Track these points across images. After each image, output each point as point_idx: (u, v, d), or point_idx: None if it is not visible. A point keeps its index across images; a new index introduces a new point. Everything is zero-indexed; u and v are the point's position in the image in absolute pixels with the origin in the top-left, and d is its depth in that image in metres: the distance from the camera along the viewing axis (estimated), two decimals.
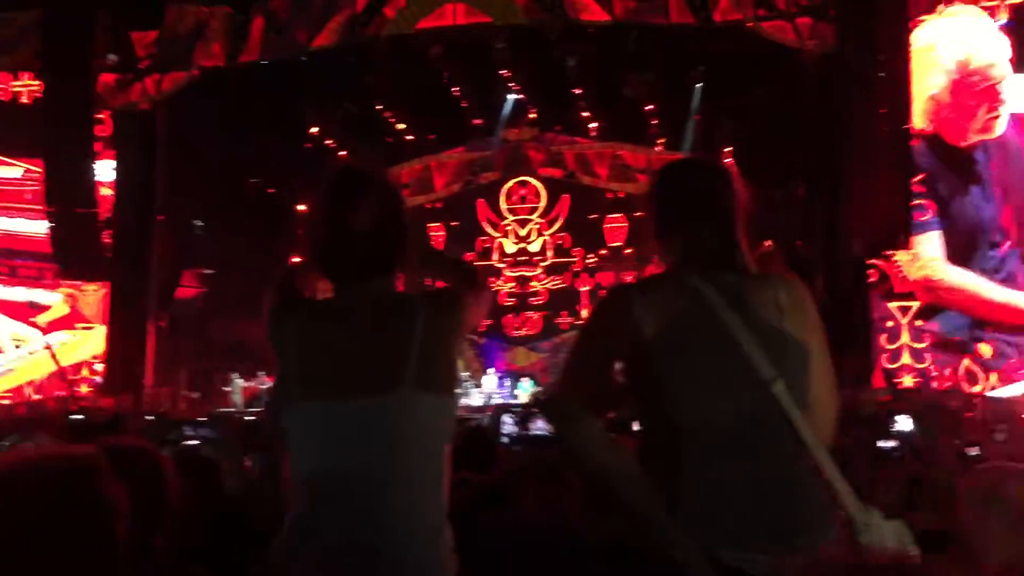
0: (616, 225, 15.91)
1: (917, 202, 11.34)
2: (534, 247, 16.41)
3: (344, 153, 15.56)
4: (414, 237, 2.28)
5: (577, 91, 14.43)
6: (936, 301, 11.26)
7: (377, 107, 14.71)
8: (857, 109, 11.07)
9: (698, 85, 13.93)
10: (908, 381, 11.10)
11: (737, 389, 2.04)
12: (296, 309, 2.21)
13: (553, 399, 2.26)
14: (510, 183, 16.52)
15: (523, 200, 16.51)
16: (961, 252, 11.32)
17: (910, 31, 11.30)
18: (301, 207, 13.94)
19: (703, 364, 2.06)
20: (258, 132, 13.74)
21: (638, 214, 15.70)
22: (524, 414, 9.02)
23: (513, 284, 16.22)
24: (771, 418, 2.03)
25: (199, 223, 14.27)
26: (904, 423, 6.49)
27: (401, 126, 15.54)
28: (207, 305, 14.38)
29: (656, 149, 15.69)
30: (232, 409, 12.49)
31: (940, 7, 11.43)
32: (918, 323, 11.24)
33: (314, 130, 14.91)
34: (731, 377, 2.05)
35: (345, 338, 2.09)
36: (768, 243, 14.75)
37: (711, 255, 2.16)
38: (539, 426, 8.28)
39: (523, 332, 16.08)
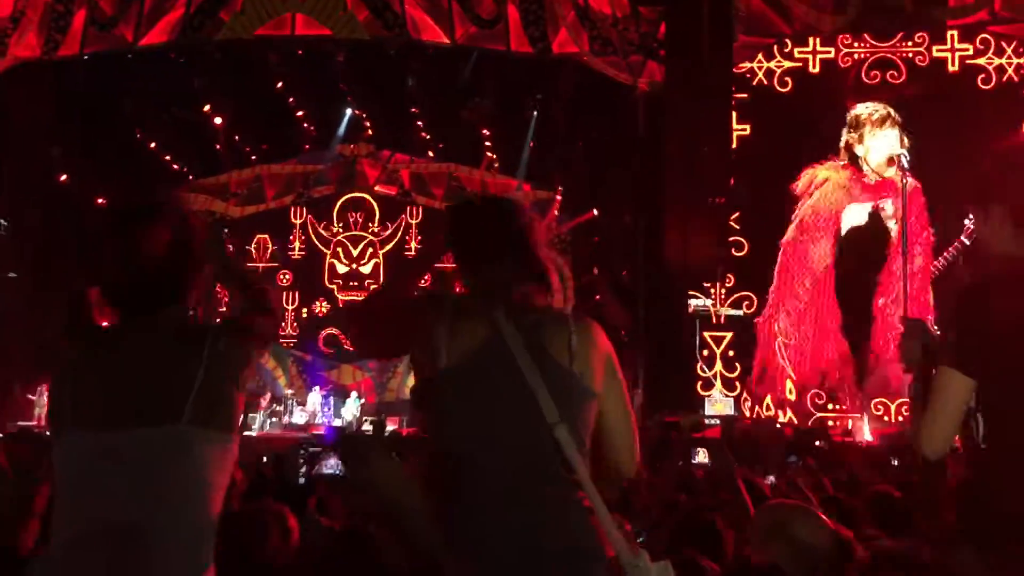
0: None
1: (734, 238, 11.99)
2: (366, 268, 16.21)
3: (168, 158, 14.97)
4: (212, 254, 2.22)
5: (415, 111, 14.45)
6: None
7: (206, 112, 14.20)
8: (681, 145, 11.60)
9: (534, 113, 14.23)
10: (719, 408, 11.65)
11: (521, 429, 2.07)
12: (79, 336, 2.14)
13: (350, 437, 2.26)
14: (343, 198, 16.30)
15: (357, 216, 16.32)
16: None
17: (733, 73, 11.97)
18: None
19: (490, 401, 2.09)
20: (75, 130, 13.00)
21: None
22: (315, 453, 8.46)
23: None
24: (551, 460, 2.06)
25: (2, 222, 13.30)
26: (702, 455, 6.70)
27: (232, 133, 15.06)
28: (9, 310, 13.40)
29: (492, 172, 15.90)
30: (32, 423, 11.69)
31: (759, 57, 12.15)
32: (731, 353, 11.83)
33: (136, 133, 14.23)
34: (516, 417, 2.07)
35: (124, 368, 2.01)
36: (594, 270, 15.25)
37: (511, 294, 2.18)
38: (331, 464, 7.84)
39: (352, 349, 15.85)
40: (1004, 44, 11.88)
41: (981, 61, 11.90)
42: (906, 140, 11.21)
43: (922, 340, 2.31)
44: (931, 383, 2.17)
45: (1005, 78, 11.88)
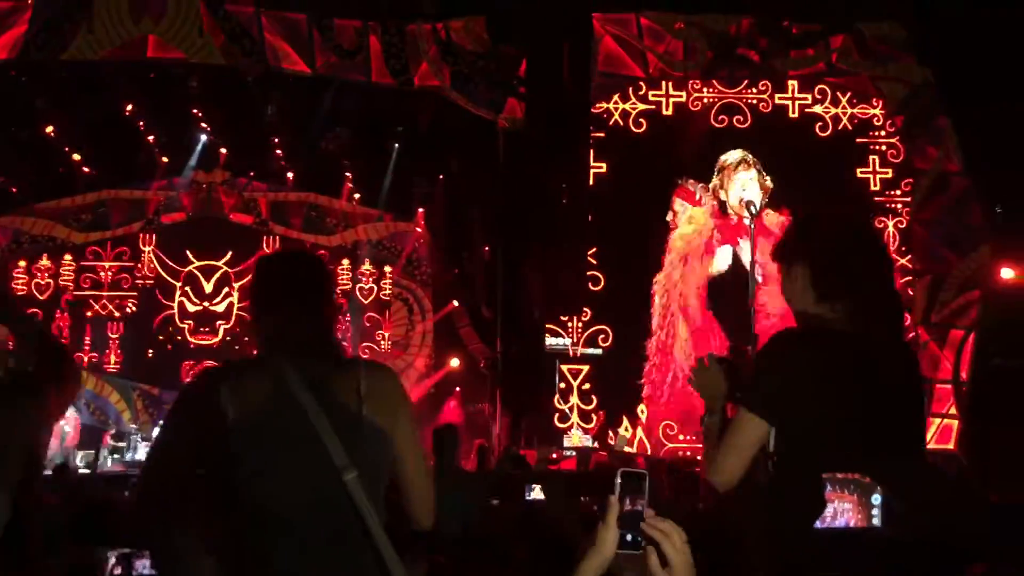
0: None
1: (591, 272, 12.26)
2: (219, 307, 15.65)
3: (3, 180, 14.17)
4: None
5: (274, 139, 14.19)
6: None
7: (48, 132, 13.53)
8: (538, 182, 11.81)
9: (395, 145, 14.21)
10: (576, 440, 11.82)
11: (310, 476, 2.08)
12: None
13: (134, 514, 2.21)
14: (196, 226, 15.76)
15: (210, 245, 15.78)
16: None
17: (591, 113, 12.31)
18: None
19: (279, 450, 2.09)
20: None
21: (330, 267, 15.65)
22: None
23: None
24: (341, 506, 2.07)
25: None
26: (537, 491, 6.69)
27: (76, 156, 14.39)
28: None
29: (352, 203, 15.76)
30: None
31: (615, 99, 12.53)
32: (585, 386, 12.04)
33: None
34: (305, 464, 2.08)
35: None
36: (454, 304, 15.30)
37: (300, 343, 2.20)
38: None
39: None
40: (839, 95, 12.67)
41: (818, 109, 12.65)
42: (768, 182, 11.76)
43: (720, 377, 2.43)
44: (730, 420, 2.29)
45: (840, 126, 12.67)
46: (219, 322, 15.57)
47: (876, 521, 2.01)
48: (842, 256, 2.26)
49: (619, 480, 1.68)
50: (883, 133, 12.65)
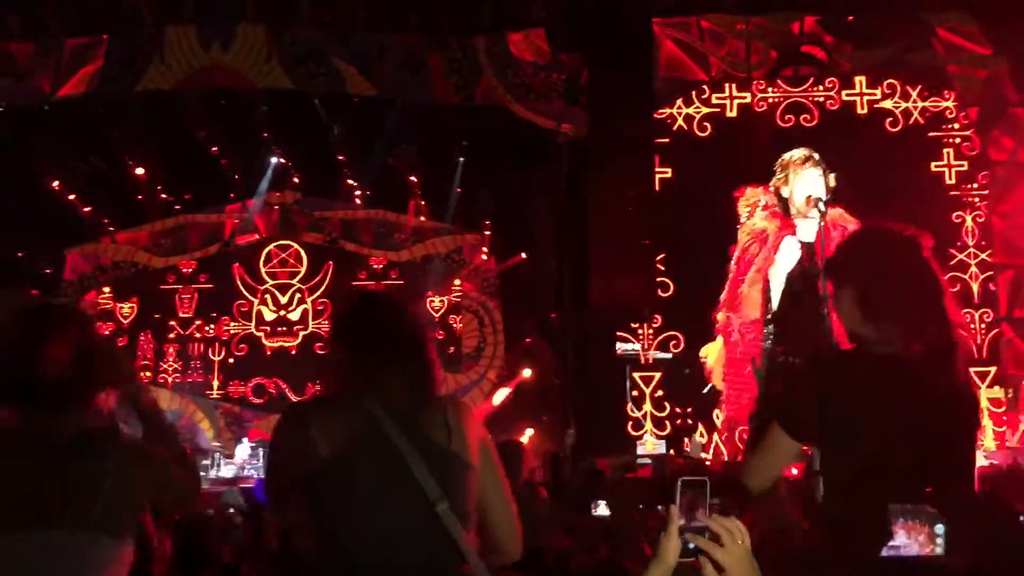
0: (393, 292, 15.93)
1: (661, 279, 12.18)
2: (294, 315, 16.03)
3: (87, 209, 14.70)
4: (126, 375, 2.21)
5: (341, 158, 14.46)
6: None
7: (127, 162, 14.01)
8: (604, 189, 11.79)
9: (460, 159, 14.35)
10: (650, 447, 11.73)
11: (403, 508, 2.14)
12: None
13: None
14: (270, 247, 16.15)
15: (283, 265, 16.17)
16: None
17: (654, 119, 12.24)
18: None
19: (372, 484, 2.16)
20: None
21: (400, 282, 15.84)
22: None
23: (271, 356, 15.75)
24: (435, 536, 2.12)
25: None
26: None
27: (153, 183, 14.87)
28: None
29: (420, 218, 15.95)
30: None
31: (679, 103, 12.45)
32: (659, 393, 11.95)
33: (54, 184, 13.96)
34: (398, 497, 2.14)
35: (27, 470, 1.99)
36: (522, 314, 15.34)
37: (388, 380, 2.25)
38: None
39: (286, 399, 15.62)
40: (910, 88, 12.38)
41: (888, 104, 12.38)
42: (831, 180, 11.53)
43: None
44: (765, 433, 2.29)
45: (911, 120, 12.37)
46: (297, 327, 15.93)
47: (940, 551, 1.99)
48: (886, 278, 2.23)
49: (679, 489, 1.69)
50: (956, 126, 12.30)
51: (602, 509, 6.37)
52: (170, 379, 15.53)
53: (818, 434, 2.17)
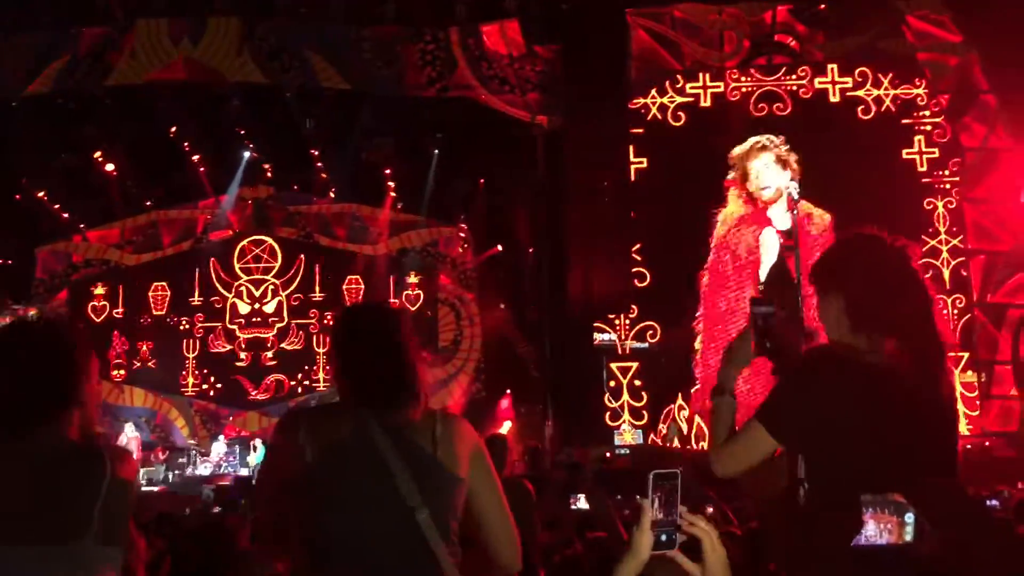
0: (355, 287, 15.84)
1: (637, 269, 12.21)
2: (269, 307, 15.93)
3: (58, 207, 14.52)
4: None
5: (315, 152, 14.36)
6: None
7: (98, 158, 13.84)
8: (579, 181, 11.80)
9: (435, 152, 14.29)
10: (628, 437, 11.77)
11: (383, 515, 2.18)
12: None
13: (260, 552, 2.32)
14: (244, 242, 16.02)
15: (257, 260, 16.04)
16: None
17: (629, 109, 12.25)
18: None
19: (355, 490, 2.19)
20: None
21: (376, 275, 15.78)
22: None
23: (246, 349, 15.66)
24: (413, 544, 2.16)
25: None
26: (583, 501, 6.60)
27: (125, 180, 14.70)
28: None
29: (395, 211, 15.88)
30: None
31: (653, 93, 12.47)
32: (636, 383, 11.99)
33: (23, 181, 13.77)
34: (379, 504, 2.18)
35: (16, 483, 1.96)
36: (500, 306, 15.34)
37: (380, 391, 2.30)
38: None
39: (259, 396, 15.53)
40: (881, 76, 12.46)
41: (860, 92, 12.46)
42: (794, 162, 11.57)
43: (747, 355, 2.44)
44: (746, 423, 2.30)
45: (883, 108, 12.46)
46: (272, 319, 15.84)
47: (909, 538, 2.02)
48: (878, 288, 2.20)
49: (651, 481, 1.68)
50: (928, 113, 12.41)
51: (582, 503, 6.37)
52: (143, 377, 15.39)
53: (801, 439, 2.17)
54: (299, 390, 15.50)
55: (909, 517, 2.04)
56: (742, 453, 2.31)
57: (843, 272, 2.27)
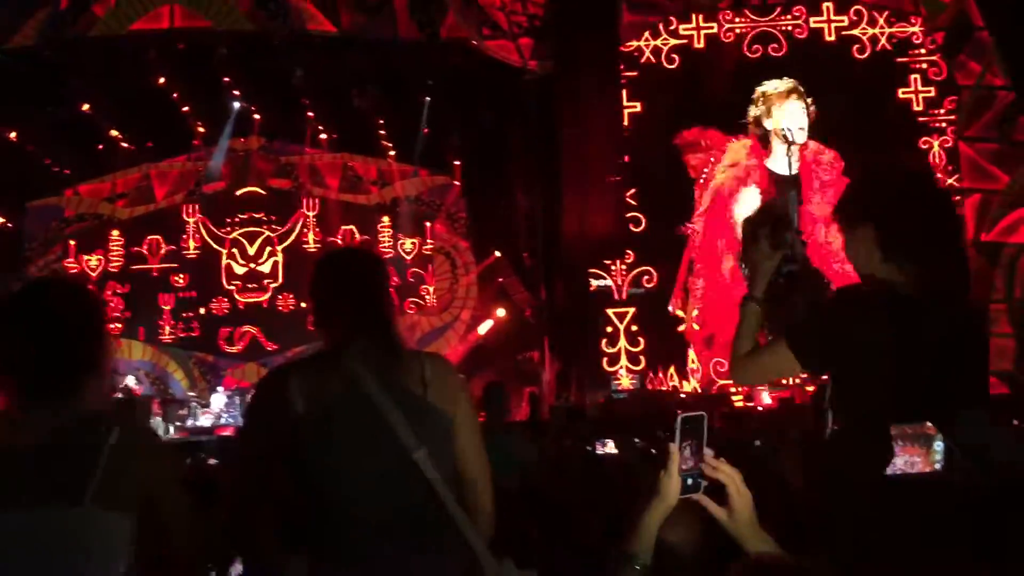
0: (364, 237, 15.68)
1: (632, 214, 12.17)
2: (265, 267, 15.82)
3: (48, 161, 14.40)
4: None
5: (305, 101, 14.20)
6: None
7: (86, 111, 13.68)
8: (572, 126, 11.70)
9: (427, 99, 14.14)
10: (625, 382, 11.84)
11: (381, 458, 2.17)
12: None
13: (237, 533, 2.28)
14: (236, 193, 15.89)
15: (250, 212, 15.92)
16: None
17: (621, 52, 12.11)
18: None
19: (350, 435, 2.18)
20: None
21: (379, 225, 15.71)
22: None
23: (241, 302, 15.59)
24: (414, 483, 2.16)
25: None
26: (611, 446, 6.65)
27: (114, 132, 14.55)
28: None
29: (387, 160, 15.77)
30: None
31: (646, 36, 12.31)
32: (633, 329, 12.01)
33: (11, 135, 13.63)
34: (376, 447, 2.17)
35: (26, 449, 1.93)
36: (496, 254, 15.31)
37: (364, 336, 2.29)
38: None
39: (259, 347, 15.54)
40: (876, 14, 12.32)
41: (855, 31, 12.32)
42: (811, 110, 11.46)
43: (773, 262, 2.44)
44: (771, 341, 2.30)
45: (879, 47, 12.34)
46: (266, 280, 15.77)
47: (938, 467, 2.03)
48: (909, 214, 2.19)
49: (678, 425, 1.67)
50: (923, 51, 12.29)
51: (610, 447, 6.43)
52: (140, 330, 15.38)
53: (825, 364, 2.17)
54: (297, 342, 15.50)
55: (938, 445, 2.05)
56: (764, 368, 2.36)
57: (874, 201, 2.26)
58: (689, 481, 1.69)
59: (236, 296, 15.69)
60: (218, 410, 13.56)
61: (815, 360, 2.21)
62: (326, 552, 2.18)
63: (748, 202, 11.45)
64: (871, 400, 2.10)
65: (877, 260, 2.19)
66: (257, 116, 15.06)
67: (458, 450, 2.28)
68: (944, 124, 12.19)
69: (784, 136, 10.20)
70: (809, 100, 11.22)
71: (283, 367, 2.42)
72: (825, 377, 2.25)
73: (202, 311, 15.65)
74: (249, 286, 15.70)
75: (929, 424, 2.03)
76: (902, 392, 2.08)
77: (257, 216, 15.88)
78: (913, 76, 12.31)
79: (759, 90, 11.69)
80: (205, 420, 13.33)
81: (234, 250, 15.78)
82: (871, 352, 2.09)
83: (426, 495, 2.16)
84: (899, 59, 12.33)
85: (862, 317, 2.13)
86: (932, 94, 12.24)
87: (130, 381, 13.63)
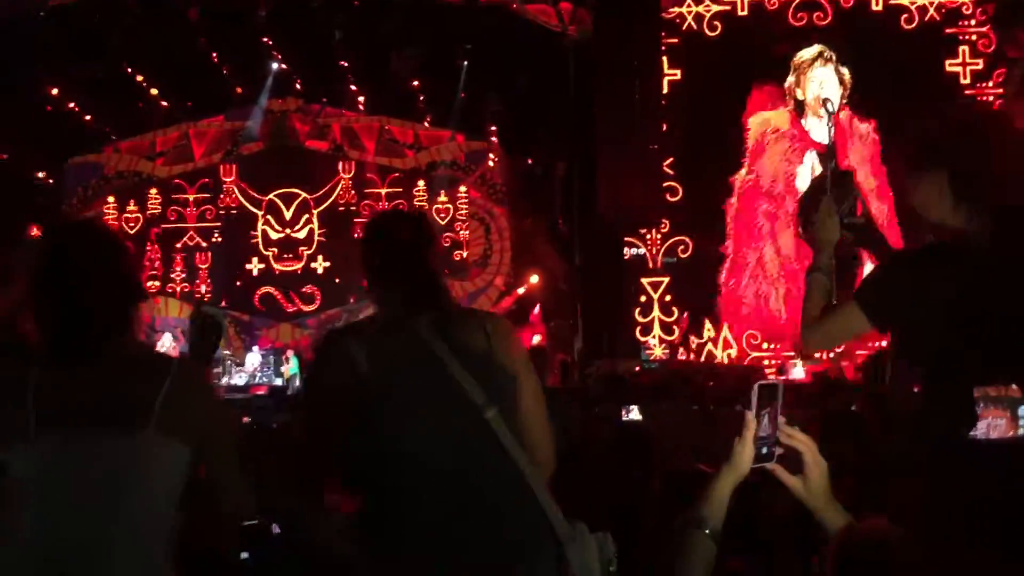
0: (397, 201, 15.66)
1: (668, 183, 12.08)
2: (300, 233, 15.86)
3: (88, 119, 14.53)
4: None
5: (343, 64, 14.19)
6: None
7: (127, 70, 13.77)
8: (612, 92, 11.59)
9: (464, 63, 14.06)
10: (658, 352, 11.82)
11: (451, 416, 2.14)
12: (24, 356, 2.01)
13: (276, 486, 2.29)
14: (274, 155, 15.92)
15: (287, 174, 15.96)
16: None
17: (662, 18, 11.95)
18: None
19: (417, 395, 2.15)
20: None
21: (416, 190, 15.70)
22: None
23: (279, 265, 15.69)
24: (484, 443, 2.12)
25: None
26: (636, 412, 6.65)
27: (154, 91, 14.64)
28: None
29: (424, 124, 15.74)
30: None
31: (688, 2, 12.13)
32: (667, 298, 11.98)
33: (53, 92, 13.76)
34: (445, 405, 2.14)
35: (84, 383, 1.95)
36: (529, 220, 15.27)
37: (419, 297, 2.27)
38: None
39: (293, 308, 15.67)
40: None
41: (904, 1, 12.06)
42: (847, 76, 11.28)
43: (835, 227, 2.41)
44: (841, 304, 2.27)
45: (927, 17, 12.07)
46: (301, 248, 15.85)
47: (1023, 431, 1.98)
48: (981, 158, 2.13)
49: (755, 393, 1.66)
50: (973, 22, 12.01)
51: (635, 414, 6.43)
52: (178, 289, 15.56)
53: (898, 323, 2.13)
54: (332, 304, 15.59)
55: (1022, 410, 2.00)
56: (833, 332, 2.33)
57: (945, 143, 2.20)
58: (764, 450, 1.68)
59: (273, 263, 15.80)
60: (252, 369, 13.73)
61: (884, 315, 2.15)
62: (390, 519, 2.15)
63: (806, 171, 11.36)
64: (951, 363, 2.05)
65: (948, 206, 2.14)
66: (295, 77, 15.08)
67: (522, 411, 2.24)
68: (992, 97, 11.93)
69: (820, 103, 10.11)
70: (843, 68, 11.07)
71: (342, 328, 2.40)
72: (883, 342, 2.22)
73: (238, 271, 15.80)
74: (285, 256, 15.78)
75: (1014, 387, 1.98)
76: (983, 352, 2.03)
77: (294, 178, 15.94)
78: (961, 48, 12.04)
79: (795, 58, 11.55)
80: (239, 379, 13.50)
81: (269, 216, 15.85)
82: (947, 309, 2.03)
83: (499, 454, 2.13)
84: (948, 30, 12.06)
85: (937, 274, 2.07)
86: (980, 66, 11.98)
87: (167, 338, 13.81)
